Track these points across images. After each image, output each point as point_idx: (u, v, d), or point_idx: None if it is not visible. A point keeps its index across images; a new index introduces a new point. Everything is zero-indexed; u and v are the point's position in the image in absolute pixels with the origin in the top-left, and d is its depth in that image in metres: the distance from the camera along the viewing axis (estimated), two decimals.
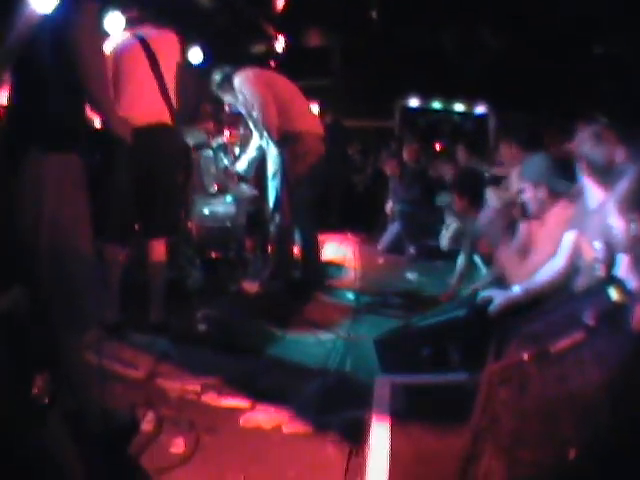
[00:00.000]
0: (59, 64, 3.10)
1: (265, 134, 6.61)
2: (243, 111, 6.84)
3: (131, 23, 5.28)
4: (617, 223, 3.22)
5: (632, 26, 9.04)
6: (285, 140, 6.52)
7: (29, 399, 2.44)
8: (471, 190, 6.28)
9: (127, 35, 5.09)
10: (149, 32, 5.10)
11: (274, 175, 6.67)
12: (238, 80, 6.62)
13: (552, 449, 1.95)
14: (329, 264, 8.48)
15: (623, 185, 3.16)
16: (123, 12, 5.31)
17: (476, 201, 6.13)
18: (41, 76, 3.11)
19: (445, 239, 8.06)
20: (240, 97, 6.67)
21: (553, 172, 4.48)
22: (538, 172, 4.52)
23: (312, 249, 7.08)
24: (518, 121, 11.89)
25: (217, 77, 6.78)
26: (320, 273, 7.31)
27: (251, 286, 6.61)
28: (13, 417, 2.34)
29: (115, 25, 5.25)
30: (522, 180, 4.63)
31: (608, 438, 1.96)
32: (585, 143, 3.90)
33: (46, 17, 3.10)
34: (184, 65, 6.65)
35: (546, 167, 4.52)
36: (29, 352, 2.79)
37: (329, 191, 11.21)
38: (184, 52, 6.81)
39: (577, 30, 10.45)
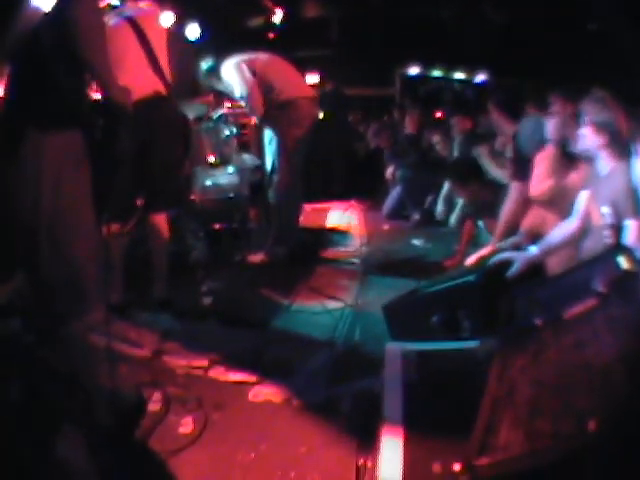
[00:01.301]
0: (60, 41, 3.05)
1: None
2: (232, 95, 6.96)
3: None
4: None
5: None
6: (281, 108, 6.60)
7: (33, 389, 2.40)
8: (472, 179, 6.33)
9: (112, 16, 5.01)
10: (133, 9, 5.07)
11: (270, 140, 6.78)
12: (224, 69, 6.76)
13: (571, 420, 1.89)
14: (334, 231, 8.45)
15: None
16: None
17: (480, 184, 6.19)
18: (41, 56, 3.05)
19: (453, 218, 8.04)
20: (227, 84, 6.83)
21: None
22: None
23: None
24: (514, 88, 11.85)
25: (203, 68, 7.00)
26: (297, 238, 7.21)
27: (256, 257, 6.58)
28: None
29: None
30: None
31: (627, 408, 1.90)
32: (591, 110, 3.88)
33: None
34: (182, 40, 6.66)
35: None
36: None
37: (332, 159, 11.19)
38: (181, 26, 6.80)
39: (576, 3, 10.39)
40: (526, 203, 5.04)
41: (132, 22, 4.94)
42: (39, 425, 2.44)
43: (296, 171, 6.79)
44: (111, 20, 4.93)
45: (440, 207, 8.42)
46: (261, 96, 6.59)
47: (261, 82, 6.60)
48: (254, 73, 6.61)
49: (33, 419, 2.39)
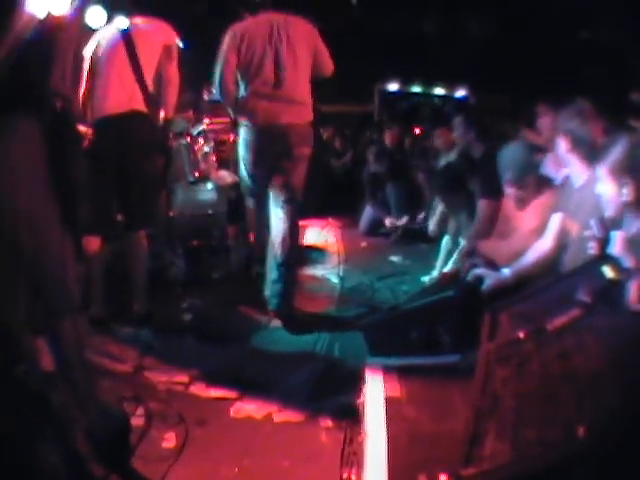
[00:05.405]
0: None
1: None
2: None
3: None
4: (607, 189, 3.22)
5: (618, 11, 9.05)
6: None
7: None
8: (451, 188, 6.32)
9: (112, 28, 5.12)
10: (137, 24, 5.14)
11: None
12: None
13: (559, 427, 1.90)
14: (312, 249, 8.44)
15: (616, 152, 3.17)
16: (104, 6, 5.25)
17: (461, 195, 6.17)
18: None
19: (432, 223, 8.04)
20: None
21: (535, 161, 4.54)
22: (522, 166, 4.52)
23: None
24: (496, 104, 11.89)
25: None
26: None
27: None
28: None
29: (97, 19, 5.22)
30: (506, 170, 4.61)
31: (615, 415, 1.92)
32: (570, 120, 3.93)
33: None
34: None
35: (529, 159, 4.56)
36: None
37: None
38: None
39: (562, 14, 10.44)
40: (493, 221, 5.02)
41: (125, 35, 5.01)
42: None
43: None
44: (109, 32, 5.08)
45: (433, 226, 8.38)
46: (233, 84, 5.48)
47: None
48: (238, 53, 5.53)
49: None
